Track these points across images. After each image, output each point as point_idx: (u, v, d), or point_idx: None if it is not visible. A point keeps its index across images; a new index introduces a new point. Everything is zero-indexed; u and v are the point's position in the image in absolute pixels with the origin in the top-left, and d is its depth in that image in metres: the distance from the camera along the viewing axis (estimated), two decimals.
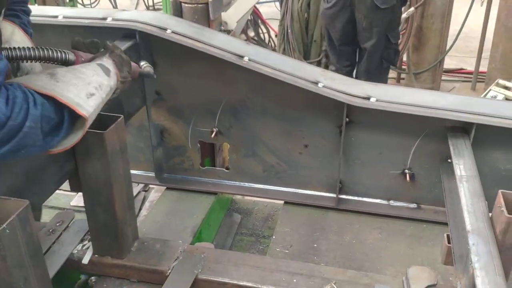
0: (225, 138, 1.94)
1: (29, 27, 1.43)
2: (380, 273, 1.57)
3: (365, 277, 1.48)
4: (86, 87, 1.18)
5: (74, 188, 1.62)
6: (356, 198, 1.91)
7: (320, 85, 1.68)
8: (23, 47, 1.21)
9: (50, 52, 1.26)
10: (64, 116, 1.12)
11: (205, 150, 2.07)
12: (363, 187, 1.89)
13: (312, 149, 1.87)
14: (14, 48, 1.19)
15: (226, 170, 2.02)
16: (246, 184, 2.01)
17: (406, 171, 1.78)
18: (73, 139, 1.16)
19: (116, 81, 1.35)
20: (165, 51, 1.80)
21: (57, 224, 1.72)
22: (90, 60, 1.35)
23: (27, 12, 1.44)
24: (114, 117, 1.43)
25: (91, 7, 6.59)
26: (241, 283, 1.48)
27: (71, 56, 1.32)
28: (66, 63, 1.31)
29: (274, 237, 1.80)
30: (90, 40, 1.37)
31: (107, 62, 1.34)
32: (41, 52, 1.24)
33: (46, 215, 1.95)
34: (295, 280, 1.48)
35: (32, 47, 1.23)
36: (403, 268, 1.49)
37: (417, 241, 1.74)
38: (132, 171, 2.06)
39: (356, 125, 1.77)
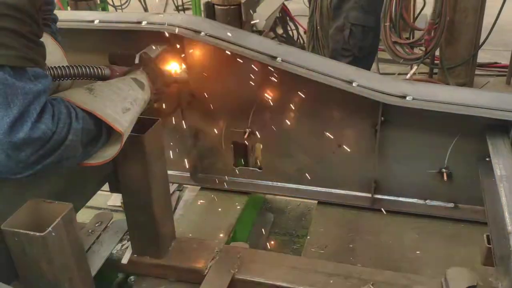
0: (258, 139, 1.95)
1: (57, 35, 1.48)
2: (418, 274, 1.54)
3: (403, 278, 1.47)
4: (123, 102, 1.23)
5: (113, 189, 1.66)
6: (391, 197, 1.89)
7: (354, 84, 1.67)
8: (64, 66, 1.27)
9: (88, 70, 1.34)
10: (102, 129, 1.17)
11: (238, 150, 2.08)
12: (399, 187, 1.87)
13: (346, 148, 1.86)
14: (56, 67, 1.24)
15: (259, 170, 2.02)
16: (279, 184, 2.02)
17: (443, 170, 1.75)
18: (112, 152, 1.20)
19: (150, 94, 1.40)
20: (199, 54, 1.82)
21: (96, 225, 1.76)
22: (125, 74, 1.40)
23: (55, 20, 1.50)
24: (152, 120, 1.46)
25: (121, 8, 6.69)
26: (278, 283, 1.49)
27: (106, 72, 1.39)
28: (102, 78, 1.36)
29: (308, 237, 1.80)
30: (126, 52, 1.41)
31: (141, 76, 1.40)
32: (80, 70, 1.31)
33: (84, 215, 2.00)
34: (331, 281, 1.48)
35: (71, 66, 1.30)
36: (441, 269, 1.47)
37: (455, 241, 1.71)
38: (168, 172, 2.10)
39: (392, 124, 1.75)
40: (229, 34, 1.75)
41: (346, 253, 1.70)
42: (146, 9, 6.57)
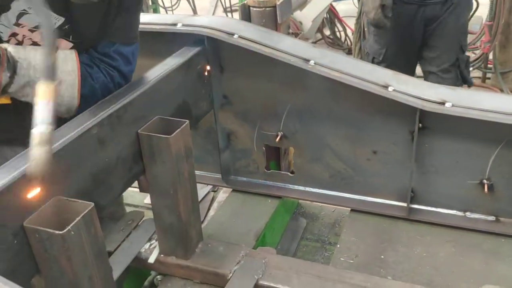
0: (290, 142, 1.92)
1: None
2: None
3: None
4: None
5: (143, 189, 1.68)
6: (429, 208, 1.81)
7: (390, 89, 1.61)
8: None
9: None
10: None
11: (271, 153, 2.06)
12: (437, 197, 1.78)
13: (381, 155, 1.80)
14: None
15: (291, 174, 1.99)
16: (312, 189, 1.98)
17: (484, 181, 1.66)
18: None
19: None
20: (232, 56, 1.81)
21: (128, 222, 1.80)
22: None
23: None
24: (180, 122, 1.46)
25: (172, 10, 6.82)
26: None
27: None
28: None
29: (338, 245, 1.75)
30: None
31: None
32: None
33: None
34: None
35: None
36: (477, 285, 1.39)
37: (493, 256, 1.61)
38: (201, 173, 2.12)
39: (430, 131, 1.67)
40: (262, 36, 1.73)
41: (377, 264, 1.64)
42: (195, 11, 6.67)
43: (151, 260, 1.63)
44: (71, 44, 1.41)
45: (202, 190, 2.57)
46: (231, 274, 1.53)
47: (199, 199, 2.46)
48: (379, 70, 1.72)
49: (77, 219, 1.06)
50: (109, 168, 1.33)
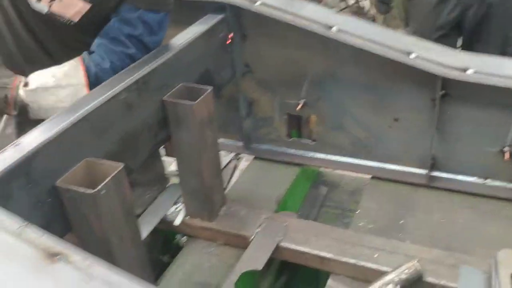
0: (312, 110, 1.93)
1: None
2: (468, 255, 1.49)
3: (451, 257, 1.43)
4: None
5: (169, 154, 1.74)
6: (449, 175, 1.82)
7: (412, 55, 1.60)
8: None
9: None
10: None
11: (293, 122, 2.08)
12: (458, 164, 1.79)
13: (403, 122, 1.80)
14: None
15: (312, 142, 2.02)
16: (333, 157, 2.00)
17: (505, 148, 1.65)
18: None
19: None
20: (254, 23, 1.82)
21: (154, 188, 1.86)
22: None
23: None
24: (203, 89, 1.50)
25: None
26: (321, 254, 1.50)
27: None
28: None
29: (358, 211, 1.78)
30: None
31: None
32: None
33: None
34: (376, 255, 1.46)
35: None
36: (494, 251, 1.40)
37: None
38: (224, 140, 2.16)
39: (452, 98, 1.67)
40: (284, 2, 1.74)
41: (396, 229, 1.67)
42: None
43: (177, 222, 1.69)
44: (88, 5, 1.40)
45: (225, 158, 2.62)
46: (253, 236, 1.58)
47: (222, 166, 2.51)
48: (402, 37, 1.71)
49: (108, 179, 1.12)
50: (136, 133, 1.38)
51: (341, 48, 1.71)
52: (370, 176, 1.95)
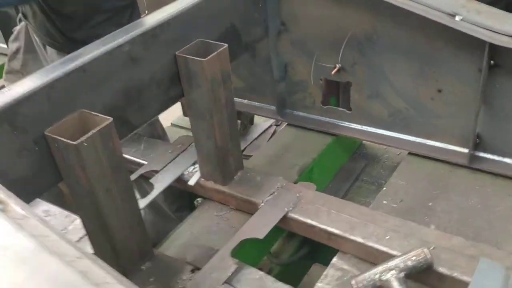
0: (348, 76, 1.79)
1: None
2: (499, 247, 1.32)
3: (473, 247, 1.27)
4: None
5: (185, 113, 1.69)
6: (494, 157, 1.61)
7: (457, 18, 1.41)
8: None
9: None
10: None
11: (331, 88, 1.95)
12: (505, 145, 1.58)
13: (446, 94, 1.61)
14: None
15: (348, 111, 1.88)
16: (368, 128, 1.86)
17: None
18: None
19: None
20: None
21: (178, 146, 1.85)
22: None
23: None
24: (218, 45, 1.42)
25: None
26: (329, 229, 1.40)
27: None
28: None
29: (384, 188, 1.64)
30: None
31: None
32: None
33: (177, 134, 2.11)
34: (387, 237, 1.34)
35: None
36: None
37: None
38: (257, 103, 2.09)
39: (502, 69, 1.46)
40: None
41: (422, 211, 1.52)
42: None
43: (191, 182, 1.66)
44: None
45: (265, 123, 2.56)
46: (262, 204, 1.51)
47: (261, 131, 2.45)
48: None
49: (92, 131, 1.10)
50: (142, 87, 1.35)
51: (379, 7, 1.54)
52: (407, 151, 1.78)
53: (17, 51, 2.05)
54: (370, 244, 1.33)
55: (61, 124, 1.13)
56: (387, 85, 1.73)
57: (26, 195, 1.14)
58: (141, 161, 1.86)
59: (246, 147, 2.37)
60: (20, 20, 2.02)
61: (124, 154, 1.93)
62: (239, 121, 2.36)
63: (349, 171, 2.13)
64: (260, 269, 1.92)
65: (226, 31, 1.60)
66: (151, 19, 1.35)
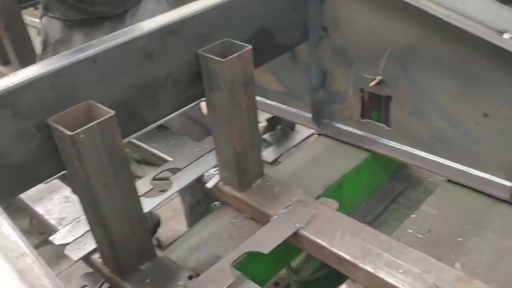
0: (389, 89, 1.66)
1: None
2: None
3: None
4: None
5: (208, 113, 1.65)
6: None
7: (506, 36, 1.25)
8: None
9: None
10: None
11: (373, 101, 1.83)
12: None
13: (493, 119, 1.45)
14: None
15: (387, 128, 1.75)
16: (406, 148, 1.71)
17: None
18: None
19: None
20: None
21: (205, 146, 1.81)
22: None
23: None
24: (243, 46, 1.37)
25: None
26: (340, 253, 1.30)
27: None
28: None
29: (413, 216, 1.50)
30: None
31: None
32: None
33: None
34: (401, 270, 1.21)
35: None
36: None
37: None
38: (294, 110, 2.01)
39: None
40: None
41: (450, 246, 1.37)
42: None
43: (209, 185, 1.62)
44: None
45: (307, 130, 2.46)
46: (275, 216, 1.44)
47: (301, 139, 2.35)
48: (502, 11, 1.34)
49: (91, 124, 1.08)
50: (157, 84, 1.32)
51: (425, 18, 1.41)
52: (445, 178, 1.62)
53: (45, 46, 2.11)
54: (380, 275, 1.22)
55: (66, 113, 1.13)
56: (429, 103, 1.58)
57: (26, 180, 1.15)
58: (168, 158, 1.85)
59: (282, 154, 2.28)
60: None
61: (153, 149, 1.95)
62: (279, 126, 2.29)
63: (386, 191, 2.00)
64: (277, 283, 1.86)
65: (258, 32, 1.53)
66: (172, 14, 1.31)
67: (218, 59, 1.31)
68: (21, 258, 0.69)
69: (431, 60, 1.50)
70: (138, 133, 1.34)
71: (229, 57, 1.31)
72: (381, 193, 1.96)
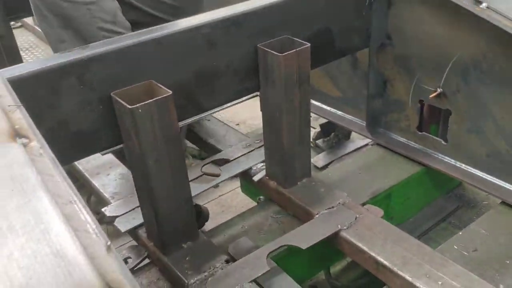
0: (449, 103, 1.62)
1: None
2: None
3: None
4: None
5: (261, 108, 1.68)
6: None
7: None
8: None
9: None
10: None
11: (433, 114, 1.79)
12: None
13: None
14: None
15: (444, 143, 1.70)
16: (462, 165, 1.66)
17: None
18: None
19: None
20: None
21: (256, 142, 1.85)
22: None
23: None
24: (301, 44, 1.39)
25: None
26: (379, 258, 1.28)
27: None
28: None
29: (461, 233, 1.46)
30: None
31: None
32: None
33: None
34: (440, 283, 1.18)
35: None
36: None
37: None
38: (349, 117, 2.00)
39: None
40: None
41: (495, 267, 1.31)
42: None
43: (256, 178, 1.65)
44: None
45: (362, 140, 2.44)
46: (317, 215, 1.44)
47: (354, 148, 2.34)
48: None
49: (149, 100, 1.14)
50: (216, 72, 1.37)
51: (492, 31, 1.37)
52: (500, 200, 1.56)
53: None
54: (418, 285, 1.19)
55: (129, 90, 1.19)
56: (490, 121, 1.53)
57: (85, 148, 1.23)
58: (220, 148, 1.90)
59: (333, 161, 2.28)
60: None
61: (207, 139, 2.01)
62: (333, 133, 2.28)
63: (438, 209, 1.93)
64: (314, 286, 1.85)
65: (319, 32, 1.55)
66: (237, 8, 1.36)
67: (276, 53, 1.34)
68: (69, 204, 0.75)
69: (495, 76, 1.45)
70: (193, 118, 1.39)
71: (286, 52, 1.34)
72: (432, 210, 1.90)
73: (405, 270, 1.23)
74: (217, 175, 1.67)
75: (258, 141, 1.83)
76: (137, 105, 1.12)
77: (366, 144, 2.35)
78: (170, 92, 1.17)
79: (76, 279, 0.65)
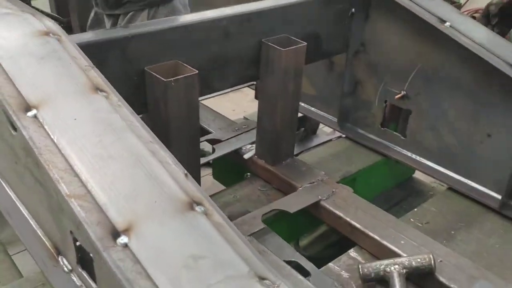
0: (410, 104, 1.94)
1: None
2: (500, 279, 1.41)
3: (476, 270, 1.38)
4: None
5: (256, 97, 1.93)
6: None
7: None
8: None
9: None
10: None
11: (393, 113, 2.10)
12: None
13: (494, 140, 1.72)
14: None
15: (402, 138, 2.02)
16: (416, 157, 1.98)
17: None
18: None
19: None
20: (379, 5, 1.89)
21: (243, 126, 2.08)
22: None
23: None
24: (299, 43, 1.65)
25: None
26: (352, 223, 1.56)
27: None
28: None
29: (415, 209, 1.77)
30: None
31: None
32: None
33: None
34: (402, 242, 1.48)
35: None
36: None
37: None
38: (322, 112, 2.28)
39: None
40: None
41: (443, 236, 1.63)
42: None
43: (246, 156, 1.89)
44: None
45: (327, 136, 2.73)
46: (300, 188, 1.70)
47: (320, 142, 2.62)
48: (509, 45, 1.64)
49: (180, 76, 1.35)
50: (227, 60, 1.60)
51: (451, 46, 1.70)
52: (446, 186, 1.89)
53: None
54: (385, 243, 1.48)
55: (158, 66, 1.40)
56: (443, 120, 1.86)
57: None
58: (211, 130, 2.12)
59: (303, 151, 2.55)
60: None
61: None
62: (302, 128, 2.56)
63: (392, 195, 2.25)
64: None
65: (309, 36, 1.82)
66: (251, 6, 1.60)
67: (279, 48, 1.60)
68: (150, 144, 0.96)
69: (451, 82, 1.78)
70: (205, 97, 1.61)
71: (288, 48, 1.60)
72: (387, 195, 2.22)
73: (374, 232, 1.51)
74: (211, 153, 1.90)
75: (245, 126, 2.07)
76: (171, 79, 1.33)
77: (330, 140, 2.65)
78: (196, 71, 1.39)
79: (169, 195, 0.87)
